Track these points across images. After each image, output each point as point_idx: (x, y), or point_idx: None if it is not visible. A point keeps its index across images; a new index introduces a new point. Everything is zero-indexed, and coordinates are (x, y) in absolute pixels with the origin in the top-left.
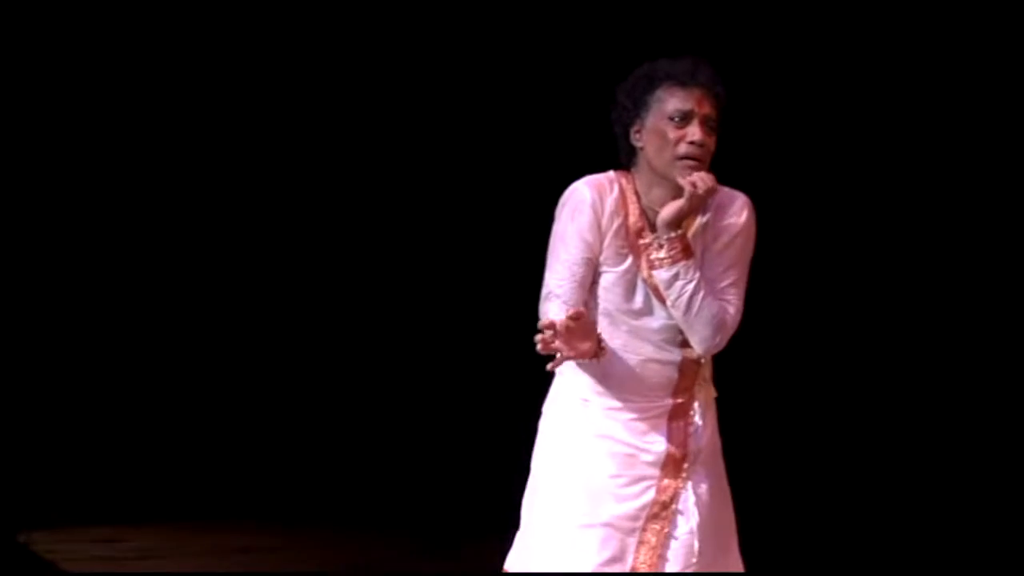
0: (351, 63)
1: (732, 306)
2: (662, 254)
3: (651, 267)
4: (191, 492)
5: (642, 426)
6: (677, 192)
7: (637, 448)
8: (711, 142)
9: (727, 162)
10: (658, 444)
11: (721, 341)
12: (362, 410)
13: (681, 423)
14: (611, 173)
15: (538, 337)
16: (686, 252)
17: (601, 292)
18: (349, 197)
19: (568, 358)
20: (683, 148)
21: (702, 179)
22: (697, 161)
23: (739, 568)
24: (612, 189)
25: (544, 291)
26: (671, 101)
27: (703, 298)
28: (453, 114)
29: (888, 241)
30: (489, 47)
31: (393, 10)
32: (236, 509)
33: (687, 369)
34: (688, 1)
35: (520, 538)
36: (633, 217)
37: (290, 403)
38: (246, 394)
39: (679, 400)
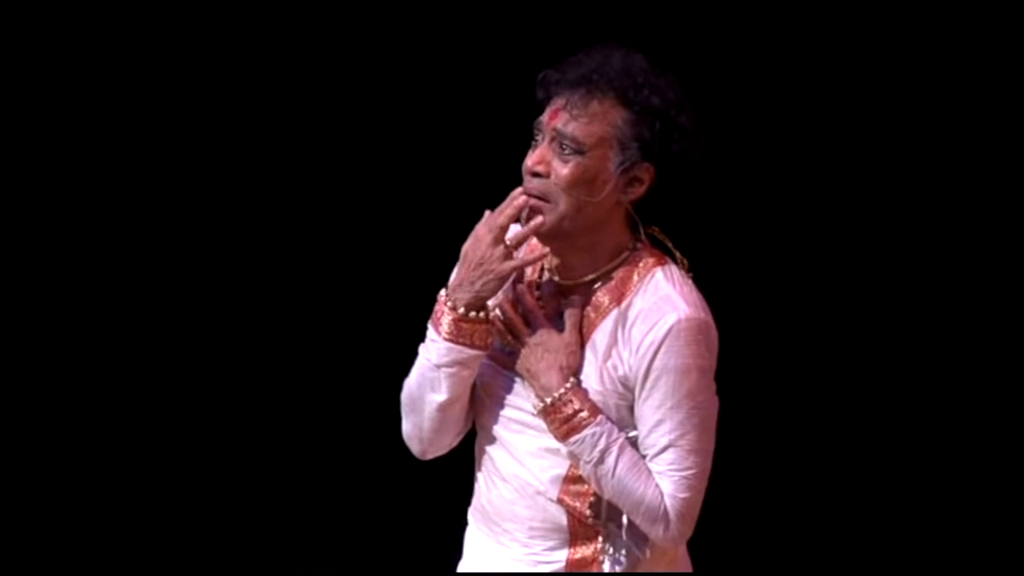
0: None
1: (673, 481)
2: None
3: (559, 436)
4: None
5: None
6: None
7: None
8: (562, 170)
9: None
10: None
11: (672, 533)
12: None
13: None
14: None
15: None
16: (576, 424)
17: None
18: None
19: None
20: (525, 180)
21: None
22: (537, 199)
23: None
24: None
25: None
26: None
27: (623, 476)
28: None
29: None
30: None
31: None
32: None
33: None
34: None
35: None
36: (531, 268)
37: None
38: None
39: (577, 553)
